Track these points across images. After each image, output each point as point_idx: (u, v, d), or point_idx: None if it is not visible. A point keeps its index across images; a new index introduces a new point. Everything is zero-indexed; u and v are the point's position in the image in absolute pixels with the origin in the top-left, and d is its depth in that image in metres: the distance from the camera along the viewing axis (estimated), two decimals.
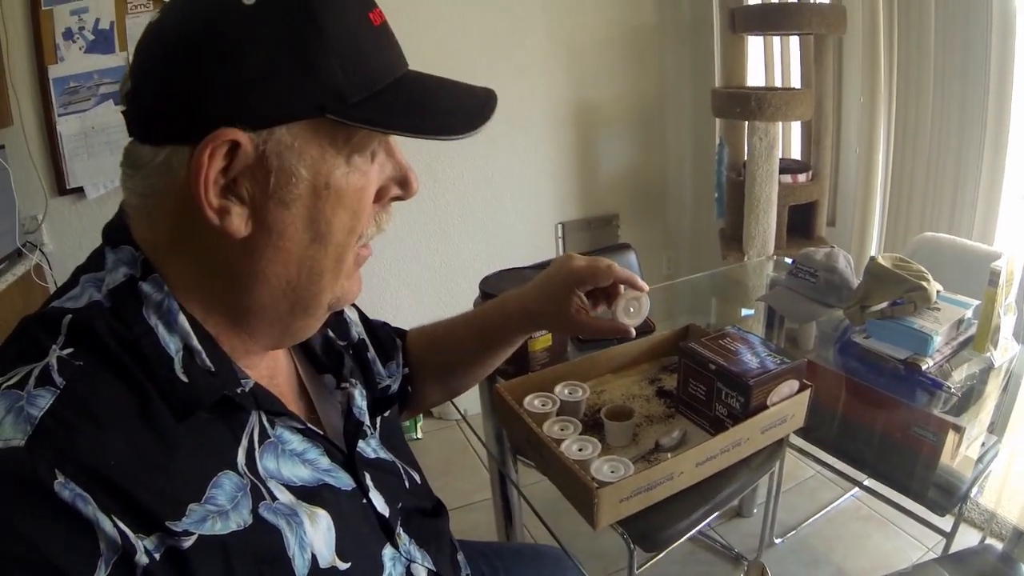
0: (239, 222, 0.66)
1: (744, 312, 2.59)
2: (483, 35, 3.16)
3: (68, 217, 2.65)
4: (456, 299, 3.42)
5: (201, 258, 0.69)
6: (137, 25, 2.52)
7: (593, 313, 1.14)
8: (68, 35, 2.50)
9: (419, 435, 3.21)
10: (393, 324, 1.21)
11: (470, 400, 1.60)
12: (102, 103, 2.58)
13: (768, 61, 3.54)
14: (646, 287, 1.13)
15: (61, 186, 2.61)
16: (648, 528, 1.32)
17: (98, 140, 2.60)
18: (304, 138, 0.65)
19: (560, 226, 3.65)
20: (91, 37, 2.53)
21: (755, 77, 3.47)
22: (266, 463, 0.72)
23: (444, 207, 3.32)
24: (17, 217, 2.46)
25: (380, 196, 0.76)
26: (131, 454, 0.60)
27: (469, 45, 3.12)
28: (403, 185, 0.77)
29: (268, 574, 0.67)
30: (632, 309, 1.14)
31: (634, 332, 1.14)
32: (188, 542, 0.60)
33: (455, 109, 0.73)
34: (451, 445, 3.15)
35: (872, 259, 1.75)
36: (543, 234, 3.62)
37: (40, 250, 2.59)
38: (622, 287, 1.13)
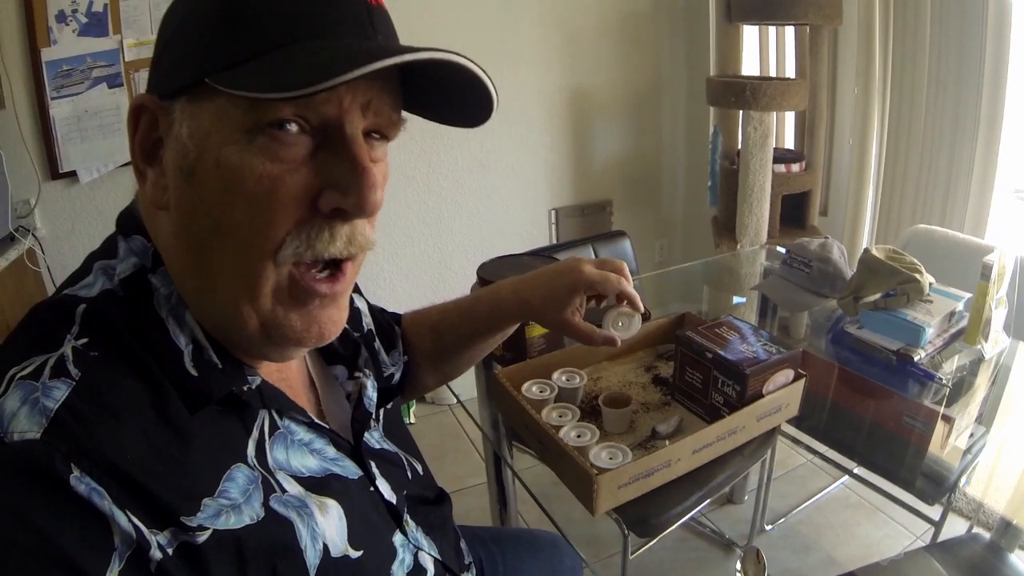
0: (151, 189, 0.67)
1: (736, 300, 2.60)
2: (478, 21, 3.15)
3: (61, 201, 2.64)
4: (450, 284, 3.43)
5: (166, 241, 0.69)
6: (131, 8, 2.50)
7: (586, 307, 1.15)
8: (61, 18, 2.48)
9: (412, 420, 3.22)
10: (386, 305, 1.21)
11: (465, 385, 1.61)
12: (95, 86, 2.56)
13: (763, 51, 3.54)
14: (642, 308, 1.14)
15: (54, 170, 2.59)
16: (642, 514, 1.33)
17: (91, 124, 2.58)
18: (196, 107, 0.62)
19: (554, 212, 3.65)
20: (84, 20, 2.51)
21: (750, 66, 3.48)
22: (276, 454, 0.72)
23: (438, 192, 3.32)
24: (9, 201, 2.44)
25: (316, 201, 0.64)
26: (147, 448, 0.59)
27: (463, 31, 3.10)
28: (345, 191, 0.64)
29: (281, 567, 0.67)
30: (622, 324, 1.16)
31: (620, 343, 1.14)
32: (202, 537, 0.60)
33: (323, 64, 0.57)
34: (444, 430, 3.16)
35: (866, 251, 1.76)
36: (537, 220, 3.63)
37: (33, 234, 2.58)
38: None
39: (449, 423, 3.22)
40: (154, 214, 0.69)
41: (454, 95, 0.68)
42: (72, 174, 2.62)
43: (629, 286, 1.12)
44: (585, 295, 1.11)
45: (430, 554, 0.93)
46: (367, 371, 0.96)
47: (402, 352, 1.16)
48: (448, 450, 3.01)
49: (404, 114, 0.71)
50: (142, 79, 2.57)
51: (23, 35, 2.47)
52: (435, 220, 3.37)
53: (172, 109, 0.64)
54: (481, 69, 0.64)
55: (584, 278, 1.09)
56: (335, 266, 0.69)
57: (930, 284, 1.71)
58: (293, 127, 0.62)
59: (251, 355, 0.74)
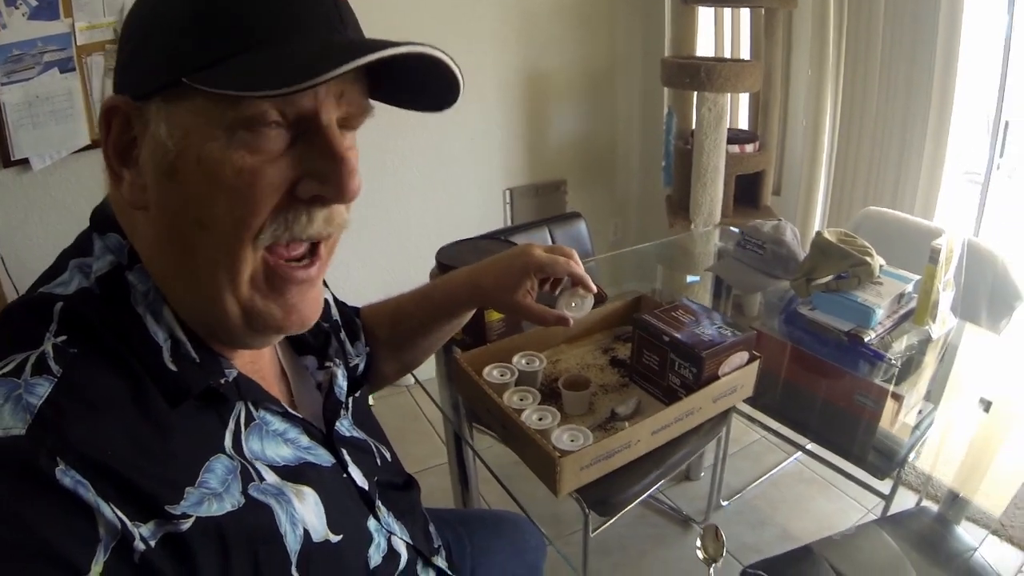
0: (128, 190, 0.67)
1: (690, 279, 2.64)
2: (434, 2, 3.13)
3: (13, 189, 2.56)
4: (406, 265, 3.41)
5: (144, 241, 0.70)
6: None
7: (538, 292, 1.17)
8: (10, 1, 2.41)
9: (372, 402, 3.17)
10: (342, 290, 1.20)
11: (423, 366, 1.62)
12: (47, 71, 2.49)
13: (718, 32, 3.55)
14: (594, 289, 1.18)
15: (5, 158, 2.51)
16: (603, 493, 1.35)
17: (43, 109, 2.51)
18: (174, 107, 0.63)
19: (508, 192, 3.64)
20: (35, 3, 2.43)
21: (705, 48, 3.49)
22: (251, 445, 0.73)
23: (393, 173, 3.29)
24: None
25: (299, 191, 0.66)
26: (129, 441, 0.60)
27: (419, 11, 3.06)
28: (324, 180, 0.66)
29: (263, 553, 0.68)
30: (575, 304, 1.19)
31: (572, 322, 1.17)
32: (186, 525, 0.61)
33: (306, 62, 0.59)
34: (403, 412, 3.16)
35: (818, 233, 1.79)
36: (491, 200, 3.62)
37: None
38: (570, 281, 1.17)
39: (407, 404, 3.22)
40: (130, 214, 0.69)
41: (420, 82, 0.70)
42: (24, 161, 2.54)
43: (579, 268, 1.15)
44: (536, 278, 1.14)
45: (402, 538, 0.95)
46: (337, 360, 0.97)
47: (364, 343, 1.17)
48: (408, 431, 3.01)
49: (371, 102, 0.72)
50: (95, 64, 2.50)
51: None
52: (390, 200, 3.34)
53: (147, 110, 0.64)
54: (451, 58, 0.66)
55: (534, 260, 1.12)
56: (311, 251, 0.72)
57: (880, 266, 1.75)
58: (272, 123, 0.63)
59: (234, 344, 0.75)
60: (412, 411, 3.17)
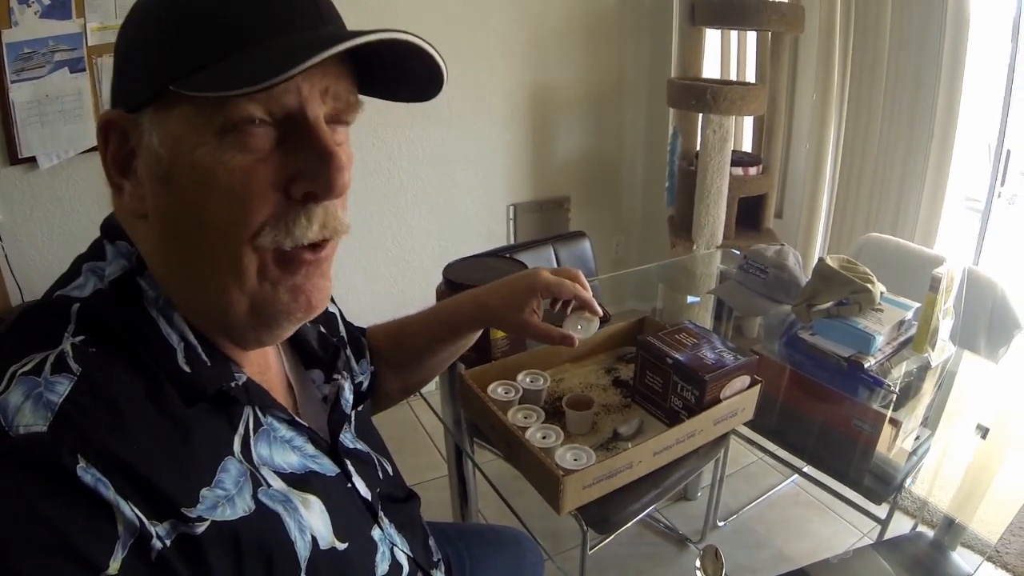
0: (129, 200, 0.69)
1: (691, 299, 2.65)
2: (444, 16, 3.15)
3: (20, 187, 2.58)
4: (409, 280, 3.43)
5: (147, 248, 0.71)
6: None
7: (546, 311, 1.19)
8: None
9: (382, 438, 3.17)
10: (348, 306, 1.22)
11: None
12: (57, 70, 2.52)
13: (725, 54, 3.59)
14: (600, 312, 1.19)
15: (13, 155, 2.53)
16: (602, 512, 1.37)
17: (52, 108, 2.53)
18: (164, 115, 0.64)
19: (512, 207, 3.66)
20: (47, 2, 2.45)
21: (711, 69, 3.52)
22: (260, 450, 0.74)
23: (398, 187, 3.31)
24: None
25: (288, 188, 0.67)
26: (149, 439, 0.61)
27: (430, 26, 3.07)
28: (314, 176, 0.66)
29: (277, 559, 0.69)
30: (580, 327, 1.20)
31: (577, 343, 1.18)
32: (201, 528, 0.62)
33: (285, 55, 0.60)
34: (402, 424, 3.16)
35: (820, 260, 1.81)
36: (495, 215, 3.64)
37: None
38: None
39: (406, 417, 3.21)
40: (133, 224, 0.71)
41: (406, 72, 0.71)
42: (31, 160, 2.56)
43: (586, 291, 1.17)
44: (542, 298, 1.15)
45: (403, 550, 0.96)
46: (344, 374, 0.98)
47: (369, 362, 1.18)
48: (406, 443, 3.00)
49: (362, 99, 0.73)
50: (105, 65, 2.52)
51: None
52: (395, 214, 3.36)
53: (140, 121, 0.66)
54: (429, 44, 0.67)
55: (541, 281, 1.14)
56: (315, 247, 0.72)
57: (881, 293, 1.77)
58: (259, 122, 0.64)
59: (244, 343, 0.76)
60: (411, 423, 3.16)
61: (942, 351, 1.77)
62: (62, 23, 2.50)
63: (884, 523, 1.79)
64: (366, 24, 0.67)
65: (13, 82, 2.48)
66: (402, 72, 0.71)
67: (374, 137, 3.16)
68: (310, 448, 0.83)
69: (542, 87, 3.53)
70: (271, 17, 0.64)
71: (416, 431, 3.10)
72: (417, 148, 3.29)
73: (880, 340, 1.69)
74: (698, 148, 3.11)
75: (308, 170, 0.66)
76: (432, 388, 1.76)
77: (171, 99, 0.62)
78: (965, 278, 1.79)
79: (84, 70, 2.51)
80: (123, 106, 0.67)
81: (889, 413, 1.58)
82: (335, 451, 0.88)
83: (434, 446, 2.99)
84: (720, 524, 2.46)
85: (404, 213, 3.38)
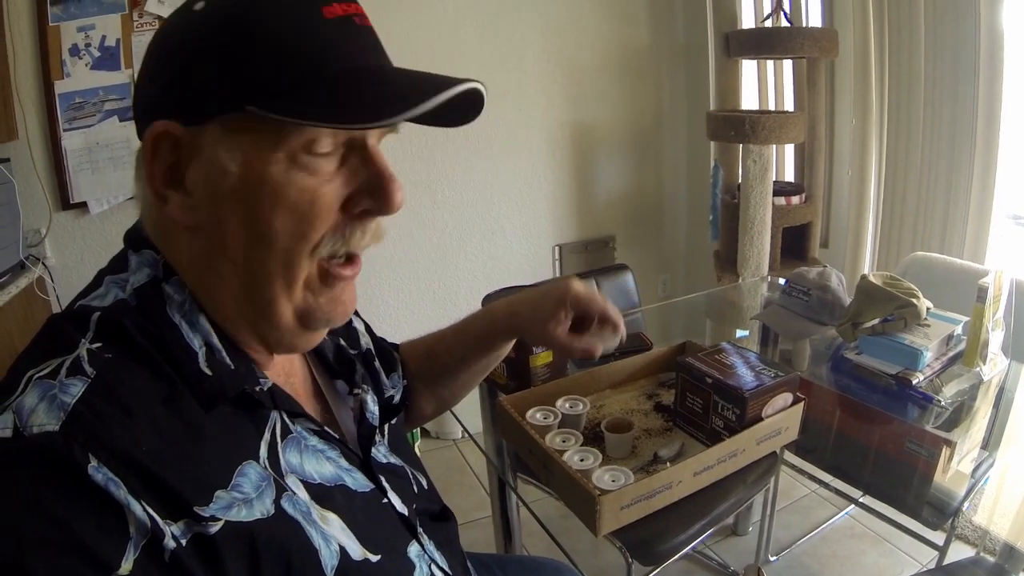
0: (177, 210, 0.69)
1: (739, 333, 2.61)
2: (481, 58, 3.21)
3: (71, 231, 2.68)
4: (453, 320, 3.41)
5: (186, 257, 0.72)
6: (142, 43, 2.55)
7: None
8: (75, 51, 2.54)
9: (417, 453, 3.17)
10: (391, 338, 1.24)
11: (471, 418, 1.62)
12: (107, 119, 2.61)
13: (762, 84, 3.58)
14: (623, 331, 1.18)
15: (65, 200, 2.64)
16: (646, 541, 1.34)
17: (102, 156, 2.63)
18: (235, 132, 0.66)
19: (557, 248, 3.68)
20: (97, 54, 2.57)
21: (749, 100, 3.52)
22: (289, 457, 0.74)
23: (443, 228, 3.35)
24: (21, 230, 2.49)
25: (349, 206, 0.72)
26: (160, 440, 0.61)
27: (468, 67, 3.12)
28: (375, 195, 0.72)
29: (296, 563, 0.68)
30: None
31: (598, 355, 1.17)
32: (215, 528, 0.61)
33: (396, 95, 0.65)
34: (449, 464, 3.16)
35: (863, 277, 1.78)
36: (540, 256, 3.66)
37: (43, 263, 2.62)
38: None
39: (454, 458, 3.21)
40: (171, 233, 0.72)
41: (451, 103, 0.72)
42: (83, 205, 2.67)
43: (611, 309, 1.16)
44: (571, 310, 1.14)
45: (442, 568, 0.94)
46: (365, 387, 0.98)
47: (401, 376, 1.17)
48: (452, 484, 3.00)
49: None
50: None
51: (37, 68, 2.54)
52: (440, 256, 3.39)
53: (200, 134, 0.67)
54: (482, 85, 0.72)
55: (571, 291, 1.14)
56: (349, 257, 0.76)
57: (928, 308, 1.72)
58: (328, 147, 0.68)
59: (278, 348, 0.79)
60: (459, 464, 3.16)
61: (994, 364, 1.71)
62: (111, 74, 2.60)
63: (942, 550, 1.73)
64: (405, 58, 0.72)
65: (65, 131, 2.58)
66: (448, 103, 0.72)
67: (417, 179, 3.19)
68: (344, 461, 0.82)
69: (581, 125, 3.55)
70: (345, 46, 0.68)
71: (464, 471, 3.10)
72: (461, 189, 3.33)
73: (928, 355, 1.64)
74: (740, 180, 3.08)
75: (369, 191, 0.71)
76: (479, 428, 1.75)
77: (244, 117, 0.64)
78: (1014, 289, 1.74)
79: (132, 119, 2.58)
80: (179, 117, 0.67)
81: (943, 434, 1.53)
82: (367, 465, 0.87)
83: (481, 486, 2.98)
84: (772, 559, 2.39)
85: (449, 254, 3.41)
